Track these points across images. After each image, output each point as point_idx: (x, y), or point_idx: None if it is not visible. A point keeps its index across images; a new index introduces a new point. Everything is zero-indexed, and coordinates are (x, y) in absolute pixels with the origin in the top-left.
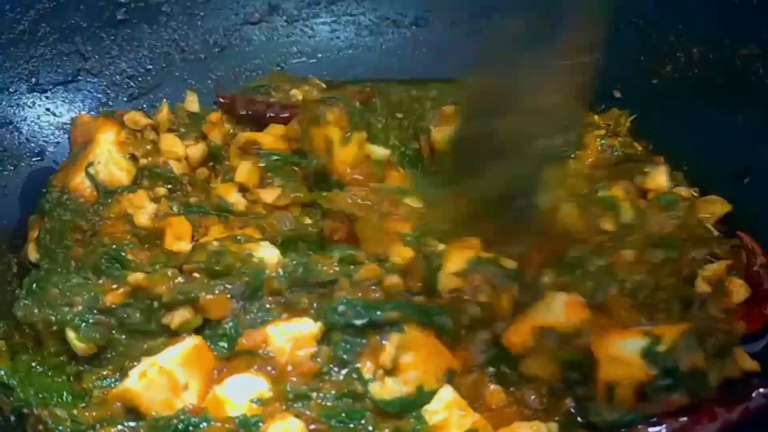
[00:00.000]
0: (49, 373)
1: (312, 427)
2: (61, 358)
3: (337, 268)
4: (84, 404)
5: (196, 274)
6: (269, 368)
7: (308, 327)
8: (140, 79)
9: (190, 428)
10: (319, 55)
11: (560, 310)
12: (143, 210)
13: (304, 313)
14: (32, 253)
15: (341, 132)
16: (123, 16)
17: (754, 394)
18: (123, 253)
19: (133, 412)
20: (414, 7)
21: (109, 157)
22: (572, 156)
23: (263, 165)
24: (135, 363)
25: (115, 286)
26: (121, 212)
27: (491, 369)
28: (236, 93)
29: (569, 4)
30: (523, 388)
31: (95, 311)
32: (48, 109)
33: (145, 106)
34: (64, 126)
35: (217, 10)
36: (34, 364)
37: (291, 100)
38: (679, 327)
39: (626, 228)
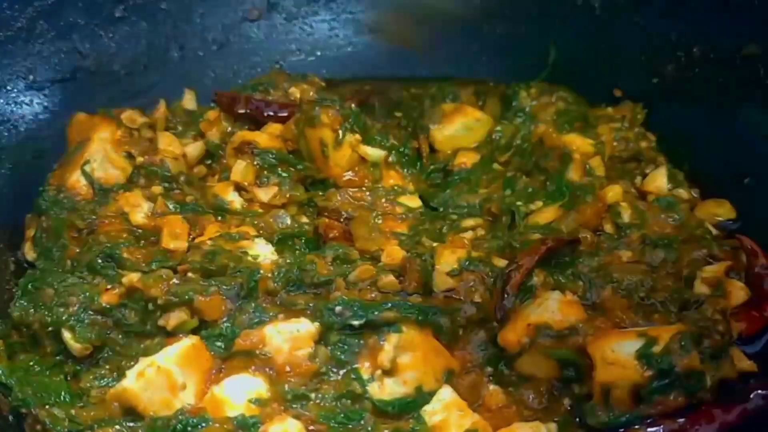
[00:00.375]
0: (47, 373)
1: (311, 428)
2: (59, 358)
3: (331, 268)
4: (82, 404)
5: (190, 274)
6: (267, 369)
7: (305, 327)
8: (138, 76)
9: (189, 429)
10: (318, 53)
11: (555, 308)
12: (139, 208)
13: (300, 314)
14: (29, 252)
15: (335, 134)
16: (121, 13)
17: (752, 396)
18: (118, 252)
19: (130, 412)
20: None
21: (104, 156)
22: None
23: (259, 164)
24: (132, 363)
25: (110, 287)
26: (117, 211)
27: (489, 369)
28: (234, 91)
29: None
30: (521, 389)
31: (91, 311)
32: (46, 107)
33: (143, 103)
34: (62, 124)
35: (215, 8)
36: (31, 363)
37: (289, 99)
38: (674, 328)
39: (625, 229)
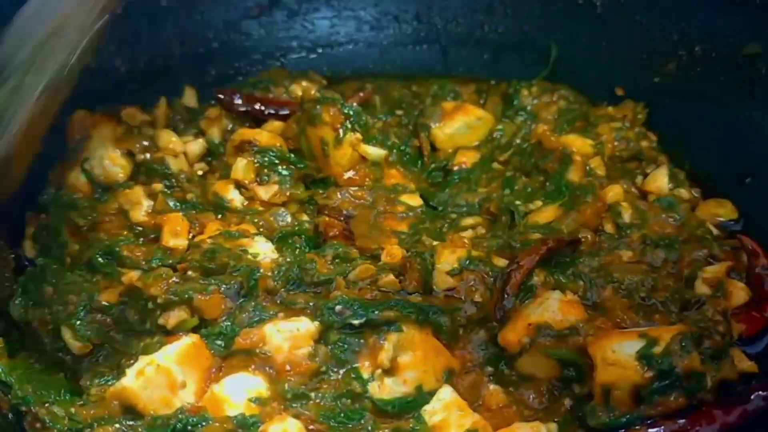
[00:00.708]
0: (47, 371)
1: (311, 427)
2: (59, 356)
3: (331, 267)
4: (81, 402)
5: (190, 273)
6: (267, 368)
7: (305, 326)
8: (139, 73)
9: (189, 427)
10: (320, 50)
11: (556, 308)
12: (139, 206)
13: (300, 313)
14: (29, 250)
15: (335, 133)
16: (122, 10)
17: (752, 397)
18: (118, 249)
19: (130, 410)
20: (415, 2)
21: (104, 153)
22: None
23: (259, 162)
24: (132, 361)
25: (109, 285)
26: (117, 208)
27: (490, 369)
28: (235, 88)
29: None
30: (521, 388)
31: (90, 310)
32: None
33: (144, 101)
34: (62, 121)
35: (216, 5)
36: (31, 361)
37: (290, 97)
38: (675, 329)
39: (626, 229)
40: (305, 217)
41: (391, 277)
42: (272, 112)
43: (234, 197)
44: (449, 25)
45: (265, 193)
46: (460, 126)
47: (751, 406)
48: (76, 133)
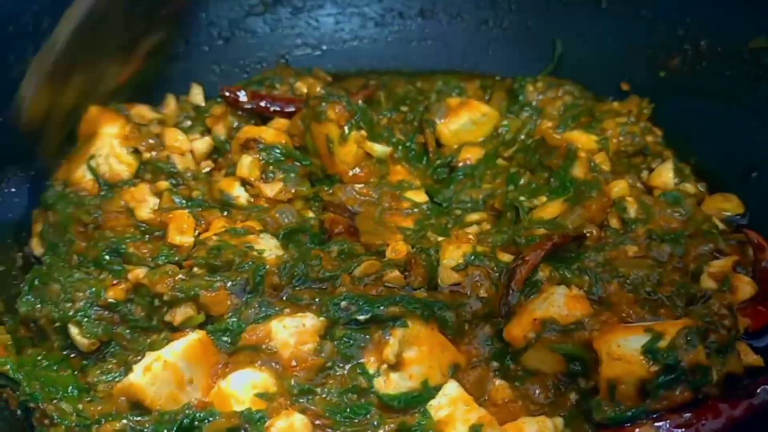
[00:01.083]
0: (55, 368)
1: (317, 422)
2: (66, 353)
3: (336, 263)
4: (89, 398)
5: (196, 269)
6: (273, 363)
7: (311, 321)
8: (144, 71)
9: (196, 423)
10: (324, 47)
11: (561, 302)
12: (145, 204)
13: (306, 309)
14: (36, 247)
15: (341, 131)
16: None
17: (758, 390)
18: (124, 247)
19: (137, 406)
20: None
21: (110, 151)
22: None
23: (265, 159)
24: (139, 357)
25: (116, 282)
26: (123, 206)
27: (495, 364)
28: (240, 86)
29: None
30: (527, 383)
31: (97, 307)
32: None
33: (149, 98)
34: (73, 120)
35: (220, 2)
36: (39, 358)
37: (296, 94)
38: (680, 323)
39: (631, 224)
40: (311, 214)
41: (396, 272)
42: (277, 109)
43: (240, 194)
44: (453, 21)
45: (270, 190)
46: (466, 122)
47: (756, 399)
48: (86, 131)
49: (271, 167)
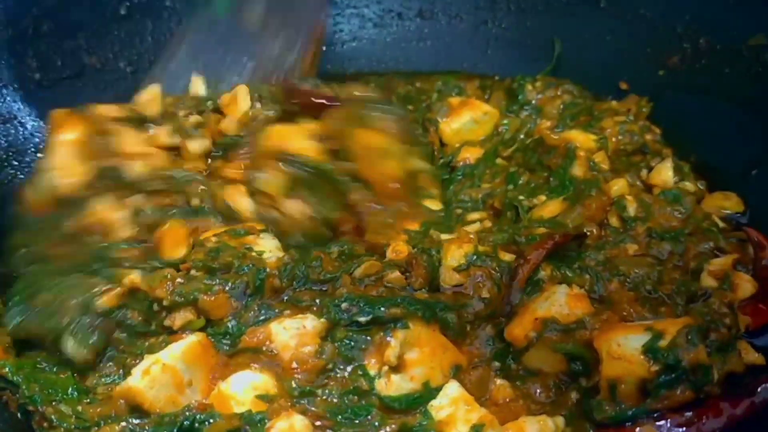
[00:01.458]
0: (54, 370)
1: (318, 423)
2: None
3: (336, 264)
4: (88, 401)
5: (193, 272)
6: (274, 365)
7: (311, 323)
8: (144, 73)
9: (196, 425)
10: (323, 48)
11: (562, 302)
12: (120, 224)
13: (306, 310)
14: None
15: (387, 143)
16: (125, 11)
17: (759, 389)
18: (113, 252)
19: (137, 409)
20: None
21: (65, 161)
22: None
23: (291, 175)
24: (137, 360)
25: (108, 287)
26: (93, 223)
27: (497, 364)
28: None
29: None
30: (528, 383)
31: (90, 316)
32: (53, 105)
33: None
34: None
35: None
36: (38, 360)
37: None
38: (681, 321)
39: (631, 222)
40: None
41: (397, 273)
42: (325, 102)
43: (247, 207)
44: (452, 22)
45: (291, 207)
46: (467, 121)
47: (758, 398)
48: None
49: (297, 186)
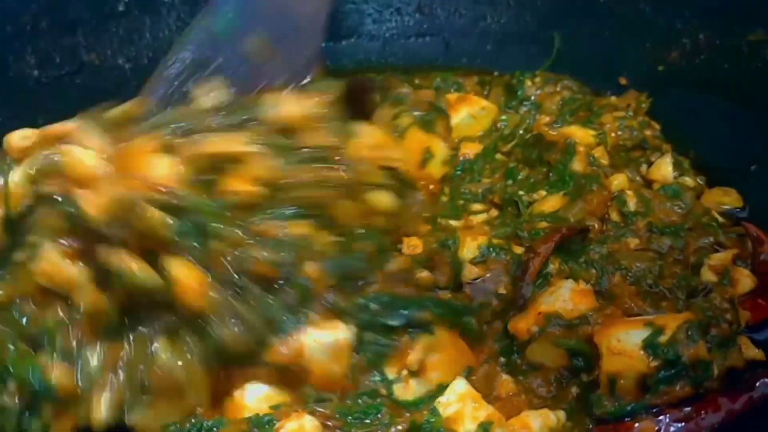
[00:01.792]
0: None
1: (328, 423)
2: None
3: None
4: None
5: None
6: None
7: (343, 335)
8: (143, 70)
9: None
10: (321, 44)
11: (567, 297)
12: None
13: (334, 315)
14: None
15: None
16: (124, 7)
17: (758, 384)
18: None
19: None
20: None
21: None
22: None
23: None
24: None
25: None
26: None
27: (503, 359)
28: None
29: None
30: (530, 377)
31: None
32: (52, 102)
33: None
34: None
35: None
36: None
37: None
38: (681, 317)
39: (631, 217)
40: None
41: (426, 273)
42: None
43: None
44: (451, 17)
45: None
46: (465, 116)
47: (756, 393)
48: None
49: None
